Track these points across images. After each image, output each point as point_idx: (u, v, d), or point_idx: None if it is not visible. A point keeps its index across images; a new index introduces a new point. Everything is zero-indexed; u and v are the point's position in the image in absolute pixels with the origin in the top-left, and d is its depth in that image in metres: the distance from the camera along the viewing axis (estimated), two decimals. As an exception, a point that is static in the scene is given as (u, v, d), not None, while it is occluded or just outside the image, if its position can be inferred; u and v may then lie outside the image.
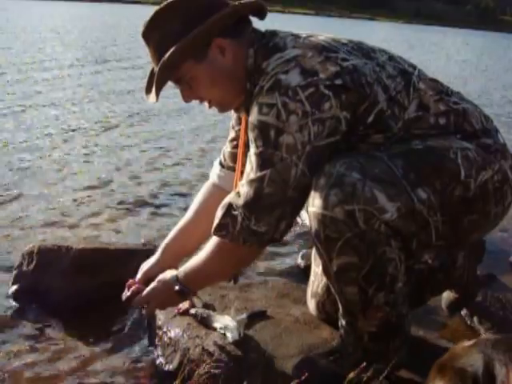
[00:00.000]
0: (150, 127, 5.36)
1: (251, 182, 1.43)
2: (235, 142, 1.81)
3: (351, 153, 1.46)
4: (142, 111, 5.96)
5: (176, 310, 1.80)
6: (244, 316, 1.84)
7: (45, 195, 3.31)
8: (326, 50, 1.45)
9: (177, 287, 1.58)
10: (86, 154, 4.27)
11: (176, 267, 1.71)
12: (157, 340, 1.82)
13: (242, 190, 1.45)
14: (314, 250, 1.84)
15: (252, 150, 1.45)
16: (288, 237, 1.50)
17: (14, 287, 2.17)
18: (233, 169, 1.81)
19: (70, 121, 5.34)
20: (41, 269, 2.15)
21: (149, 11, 1.60)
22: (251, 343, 1.70)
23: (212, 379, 1.53)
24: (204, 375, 1.51)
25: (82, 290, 2.11)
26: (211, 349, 1.63)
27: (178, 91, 1.62)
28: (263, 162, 1.41)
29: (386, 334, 1.52)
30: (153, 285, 1.64)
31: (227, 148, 1.85)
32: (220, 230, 1.48)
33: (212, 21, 1.47)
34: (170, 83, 1.57)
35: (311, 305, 1.91)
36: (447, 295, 2.05)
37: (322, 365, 1.58)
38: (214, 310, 1.83)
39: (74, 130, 4.98)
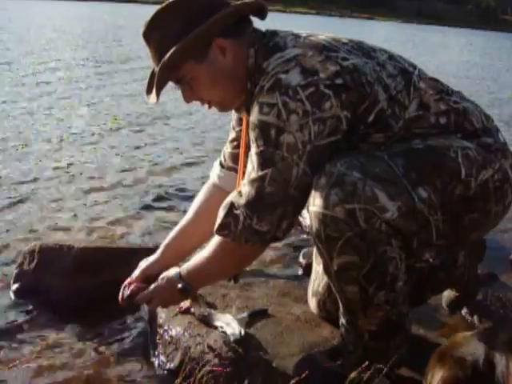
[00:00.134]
0: (155, 129, 5.35)
1: (252, 181, 1.43)
2: (235, 143, 1.81)
3: (352, 152, 1.46)
4: (149, 113, 5.94)
5: (177, 309, 1.81)
6: (245, 314, 1.85)
7: (50, 197, 3.32)
8: (327, 50, 1.45)
9: (180, 285, 1.59)
10: (91, 156, 4.27)
11: (176, 266, 1.71)
12: (158, 338, 1.83)
13: (244, 189, 1.45)
14: (315, 249, 1.84)
15: (253, 149, 1.45)
16: (289, 235, 1.51)
17: (15, 286, 2.17)
18: (233, 169, 1.82)
19: (76, 123, 5.33)
20: (42, 268, 2.15)
21: (149, 10, 1.60)
22: (252, 342, 1.71)
23: (213, 378, 1.54)
24: (205, 374, 1.52)
25: (83, 288, 2.12)
26: (212, 347, 1.64)
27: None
28: (264, 161, 1.41)
29: (386, 333, 1.52)
30: (156, 282, 1.65)
31: (227, 148, 1.85)
32: (222, 229, 1.48)
33: (212, 21, 1.47)
34: (171, 84, 1.57)
35: (312, 303, 1.92)
36: (448, 294, 2.06)
37: (323, 363, 1.59)
38: (215, 308, 1.83)
39: (79, 132, 4.96)
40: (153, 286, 1.65)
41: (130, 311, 2.02)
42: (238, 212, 1.45)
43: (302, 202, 1.46)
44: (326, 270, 1.50)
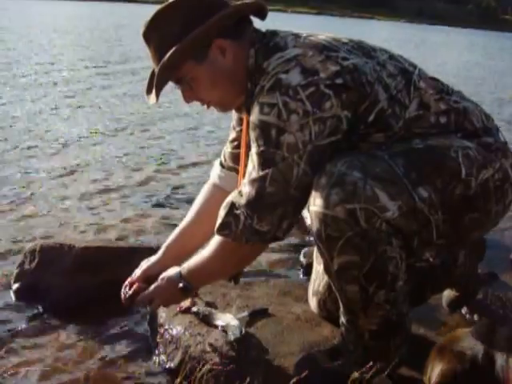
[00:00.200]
0: (159, 129, 5.34)
1: (253, 181, 1.43)
2: (236, 143, 1.81)
3: (352, 152, 1.46)
4: (153, 113, 5.93)
5: (178, 308, 1.81)
6: (245, 314, 1.85)
7: (53, 197, 3.32)
8: (327, 50, 1.45)
9: (181, 284, 1.59)
10: (95, 156, 4.26)
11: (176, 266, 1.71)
12: (158, 338, 1.83)
13: (244, 189, 1.45)
14: (315, 249, 1.84)
15: (253, 149, 1.45)
16: (290, 235, 1.51)
17: (16, 285, 2.17)
18: (233, 169, 1.82)
19: (80, 123, 5.32)
20: (43, 267, 2.15)
21: (150, 10, 1.60)
22: (252, 341, 1.72)
23: (213, 377, 1.54)
24: (205, 373, 1.52)
25: (84, 288, 2.12)
26: (213, 347, 1.64)
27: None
28: (265, 161, 1.42)
29: (386, 332, 1.52)
30: (157, 282, 1.65)
31: (228, 148, 1.85)
32: (223, 229, 1.49)
33: (212, 22, 1.47)
34: (172, 85, 1.57)
35: (312, 303, 1.92)
36: (448, 293, 2.06)
37: (323, 362, 1.59)
38: (215, 307, 1.84)
39: (83, 132, 4.95)
40: (153, 285, 1.65)
41: (130, 311, 2.02)
42: (238, 212, 1.45)
43: (303, 202, 1.46)
44: (327, 269, 1.50)
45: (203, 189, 1.90)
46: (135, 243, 2.67)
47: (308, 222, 2.68)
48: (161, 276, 1.65)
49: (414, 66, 1.58)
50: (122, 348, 1.90)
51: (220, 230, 1.49)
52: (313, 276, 1.92)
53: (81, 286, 2.12)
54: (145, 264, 1.80)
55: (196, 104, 1.63)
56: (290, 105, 1.38)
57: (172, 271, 1.63)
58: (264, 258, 2.52)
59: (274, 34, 1.54)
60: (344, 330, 1.58)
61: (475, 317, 2.02)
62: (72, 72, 8.39)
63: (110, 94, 6.91)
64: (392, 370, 1.49)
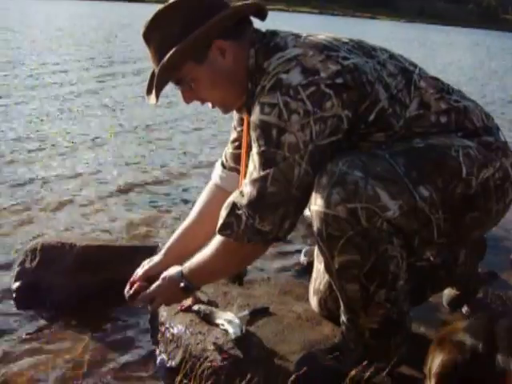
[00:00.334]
0: (164, 131, 5.33)
1: (254, 181, 1.43)
2: (237, 143, 1.81)
3: (353, 151, 1.46)
4: (156, 116, 5.90)
5: (179, 307, 1.82)
6: (246, 312, 1.85)
7: (57, 199, 3.31)
8: (327, 49, 1.45)
9: (182, 284, 1.59)
10: (100, 158, 4.26)
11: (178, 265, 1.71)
12: (159, 336, 1.84)
13: (246, 189, 1.45)
14: (316, 247, 1.84)
15: (254, 149, 1.45)
16: (291, 234, 1.52)
17: (17, 284, 2.17)
18: (234, 169, 1.82)
19: (84, 124, 5.31)
20: (44, 266, 2.15)
21: (151, 10, 1.60)
22: (253, 339, 1.72)
23: (214, 375, 1.55)
24: (206, 371, 1.53)
25: (85, 286, 2.12)
26: (213, 345, 1.65)
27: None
28: (266, 161, 1.42)
29: (387, 331, 1.53)
30: (158, 282, 1.65)
31: (229, 149, 1.85)
32: (225, 229, 1.49)
33: (212, 23, 1.47)
34: (172, 85, 1.57)
35: (313, 302, 1.92)
36: (448, 292, 2.06)
37: (324, 361, 1.59)
38: (216, 306, 1.84)
39: (88, 134, 4.94)
40: (155, 285, 1.66)
41: (131, 309, 2.03)
42: (240, 212, 1.45)
43: (304, 202, 1.46)
44: (327, 268, 1.50)
45: (205, 189, 1.90)
46: (137, 242, 2.67)
47: (309, 220, 2.69)
48: (162, 275, 1.65)
49: (415, 66, 1.58)
50: (123, 346, 1.90)
51: (222, 230, 1.50)
52: (313, 275, 1.93)
53: (82, 284, 2.12)
54: (147, 263, 1.80)
55: (201, 104, 1.63)
56: (291, 105, 1.38)
57: (173, 270, 1.64)
58: (265, 257, 2.52)
59: (274, 34, 1.54)
60: (344, 329, 1.58)
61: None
62: (78, 72, 8.35)
63: (116, 95, 6.89)
64: (392, 369, 1.50)
